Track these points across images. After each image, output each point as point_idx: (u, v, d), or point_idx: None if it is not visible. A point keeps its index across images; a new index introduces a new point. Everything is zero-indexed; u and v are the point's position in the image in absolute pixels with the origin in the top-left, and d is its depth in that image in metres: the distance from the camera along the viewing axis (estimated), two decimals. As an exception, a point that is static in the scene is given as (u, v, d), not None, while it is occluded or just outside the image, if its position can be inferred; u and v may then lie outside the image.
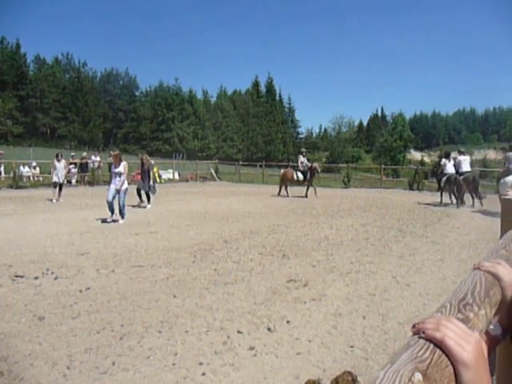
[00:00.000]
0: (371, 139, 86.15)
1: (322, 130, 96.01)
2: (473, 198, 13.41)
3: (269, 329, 3.83)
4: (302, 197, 16.73)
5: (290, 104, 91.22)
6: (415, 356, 0.50)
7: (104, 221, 9.92)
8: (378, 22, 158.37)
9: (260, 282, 5.29)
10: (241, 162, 34.37)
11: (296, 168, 17.84)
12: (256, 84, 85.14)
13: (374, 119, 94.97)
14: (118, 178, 10.20)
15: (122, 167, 10.18)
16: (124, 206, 10.12)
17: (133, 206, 12.91)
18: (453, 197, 13.71)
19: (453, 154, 15.03)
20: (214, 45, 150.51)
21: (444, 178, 13.84)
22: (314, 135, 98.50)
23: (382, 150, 71.77)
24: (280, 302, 4.56)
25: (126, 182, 10.28)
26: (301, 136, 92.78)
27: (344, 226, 9.72)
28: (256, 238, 8.12)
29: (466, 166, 13.65)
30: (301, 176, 17.31)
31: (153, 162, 13.93)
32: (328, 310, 4.34)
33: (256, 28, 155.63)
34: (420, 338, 0.54)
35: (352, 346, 3.49)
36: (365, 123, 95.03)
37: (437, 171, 15.22)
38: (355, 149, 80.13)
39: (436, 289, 5.08)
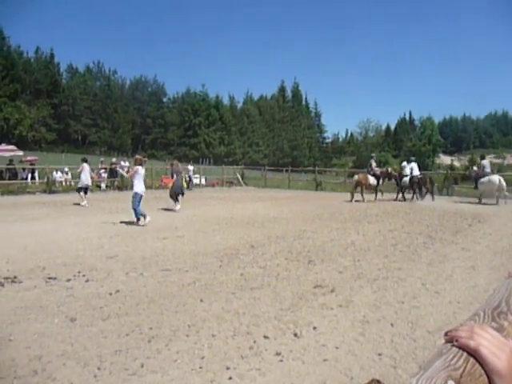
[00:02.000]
0: (399, 144, 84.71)
1: (349, 134, 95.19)
2: (426, 193, 17.46)
3: (295, 334, 3.82)
4: (370, 201, 17.14)
5: (316, 109, 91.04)
6: (448, 364, 0.50)
7: (132, 224, 10.12)
8: (406, 26, 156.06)
9: (286, 287, 5.28)
10: (267, 167, 34.39)
11: (369, 172, 18.14)
12: (282, 89, 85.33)
13: (402, 123, 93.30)
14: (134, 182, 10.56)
15: (133, 170, 10.54)
16: (135, 208, 10.27)
17: (163, 210, 13.14)
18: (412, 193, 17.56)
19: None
20: (241, 50, 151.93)
21: (406, 179, 17.63)
22: (341, 140, 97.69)
23: (409, 154, 70.57)
24: (306, 307, 4.53)
25: (136, 186, 10.49)
26: (327, 141, 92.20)
27: (371, 231, 9.58)
28: (282, 244, 8.10)
29: (416, 171, 17.56)
30: (374, 181, 17.60)
31: (180, 167, 14.17)
32: (355, 316, 4.28)
33: (282, 32, 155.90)
34: (453, 346, 0.54)
35: (380, 354, 3.44)
36: (392, 127, 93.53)
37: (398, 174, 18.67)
38: (382, 153, 78.94)
39: (467, 297, 4.94)
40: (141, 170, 10.65)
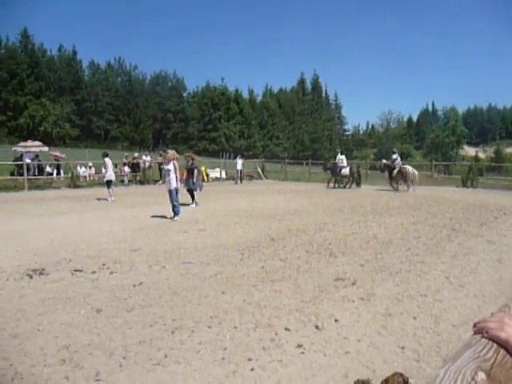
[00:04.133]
0: (421, 135, 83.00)
1: (370, 126, 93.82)
2: (352, 182, 20.36)
3: (317, 327, 3.82)
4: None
5: (336, 101, 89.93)
6: (478, 355, 0.49)
7: (153, 218, 10.26)
8: (427, 16, 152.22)
9: (307, 280, 5.28)
10: (287, 160, 34.28)
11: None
12: (302, 81, 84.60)
13: (425, 114, 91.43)
14: (167, 178, 10.56)
15: (171, 165, 10.46)
16: (173, 204, 10.35)
17: (184, 204, 13.24)
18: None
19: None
20: (260, 43, 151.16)
21: (346, 169, 20.42)
22: (361, 132, 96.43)
23: (432, 146, 68.97)
24: (328, 300, 4.52)
25: (173, 181, 10.49)
26: (347, 133, 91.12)
27: (393, 224, 9.46)
28: (303, 236, 8.09)
29: (344, 162, 20.79)
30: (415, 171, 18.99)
31: (192, 161, 13.73)
32: (377, 309, 4.25)
33: (301, 25, 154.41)
34: (483, 337, 0.53)
35: (403, 347, 3.41)
36: (414, 118, 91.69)
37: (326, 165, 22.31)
38: (404, 145, 77.57)
39: (492, 290, 4.84)
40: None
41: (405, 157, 68.19)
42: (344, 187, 20.46)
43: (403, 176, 18.47)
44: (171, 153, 11.05)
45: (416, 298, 4.58)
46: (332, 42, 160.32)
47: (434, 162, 27.63)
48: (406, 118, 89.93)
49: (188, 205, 13.13)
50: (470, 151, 78.21)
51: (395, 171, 18.74)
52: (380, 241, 7.65)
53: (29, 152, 23.57)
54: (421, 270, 5.69)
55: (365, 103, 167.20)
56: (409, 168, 18.68)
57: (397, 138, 77.85)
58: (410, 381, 0.63)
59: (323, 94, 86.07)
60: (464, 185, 20.81)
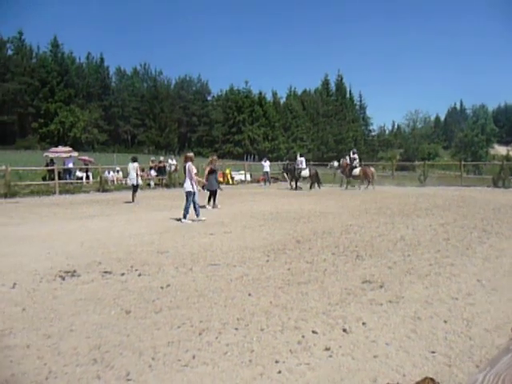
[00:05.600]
0: (449, 134, 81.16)
1: (395, 126, 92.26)
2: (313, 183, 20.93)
3: (344, 330, 3.78)
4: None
5: (360, 101, 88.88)
6: None
7: (179, 221, 10.39)
8: (455, 14, 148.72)
9: (334, 282, 5.23)
10: (311, 162, 34.11)
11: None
12: (325, 82, 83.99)
13: (453, 113, 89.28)
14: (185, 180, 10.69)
15: (186, 169, 10.60)
16: (186, 207, 10.43)
17: (209, 207, 13.36)
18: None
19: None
20: (283, 45, 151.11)
21: (306, 171, 21.21)
22: (387, 132, 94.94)
23: (461, 145, 67.34)
24: (355, 303, 4.47)
25: (188, 184, 10.51)
26: (373, 134, 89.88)
27: (421, 225, 9.27)
28: (329, 239, 8.03)
29: (303, 164, 21.80)
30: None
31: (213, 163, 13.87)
32: (406, 312, 4.18)
33: (325, 26, 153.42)
34: None
35: (433, 352, 3.33)
36: (442, 118, 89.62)
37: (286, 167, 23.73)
38: (432, 145, 75.98)
39: (528, 294, 4.67)
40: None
41: (432, 157, 66.78)
42: (310, 188, 21.03)
43: (366, 175, 20.20)
44: (188, 155, 11.15)
45: (446, 302, 4.48)
46: (356, 42, 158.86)
47: (462, 162, 26.92)
48: (433, 118, 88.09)
49: (210, 207, 13.24)
50: (500, 150, 75.78)
51: (357, 170, 20.53)
52: (408, 242, 7.52)
53: (71, 157, 24.54)
54: (451, 273, 5.56)
55: (390, 103, 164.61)
56: (371, 168, 20.99)
57: (424, 138, 76.32)
58: (441, 386, 0.62)
59: (347, 95, 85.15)
60: (495, 185, 20.21)
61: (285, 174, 23.10)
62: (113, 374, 3.06)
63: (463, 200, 14.43)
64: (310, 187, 20.73)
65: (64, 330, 3.83)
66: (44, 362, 3.25)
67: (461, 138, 68.41)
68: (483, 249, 6.96)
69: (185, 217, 10.40)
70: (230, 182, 26.30)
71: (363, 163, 22.11)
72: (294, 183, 21.75)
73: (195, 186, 10.64)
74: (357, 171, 20.68)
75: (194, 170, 10.69)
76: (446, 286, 5.00)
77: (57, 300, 4.66)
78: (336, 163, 23.30)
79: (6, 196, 17.33)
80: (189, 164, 10.67)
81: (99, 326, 3.94)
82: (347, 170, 21.06)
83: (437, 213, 11.31)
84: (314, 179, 21.00)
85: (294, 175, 21.52)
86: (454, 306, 4.35)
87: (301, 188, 21.18)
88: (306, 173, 21.14)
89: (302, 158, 21.95)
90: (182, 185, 23.57)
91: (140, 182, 15.46)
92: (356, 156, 21.27)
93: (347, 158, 21.44)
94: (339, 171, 22.07)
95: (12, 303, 4.57)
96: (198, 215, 10.49)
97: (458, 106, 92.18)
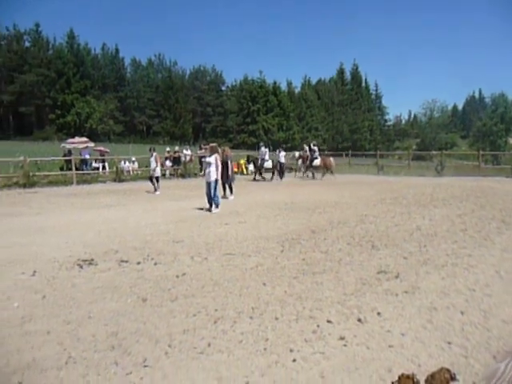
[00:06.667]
0: (467, 124, 79.55)
1: (412, 116, 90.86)
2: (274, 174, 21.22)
3: (359, 320, 3.77)
4: None
5: (376, 90, 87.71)
6: None
7: (203, 210, 10.46)
8: (472, 5, 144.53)
9: (349, 272, 5.22)
10: (326, 152, 33.85)
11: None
12: (341, 72, 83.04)
13: (471, 102, 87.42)
14: (207, 170, 10.73)
15: (212, 158, 10.64)
16: (214, 196, 10.52)
17: (223, 197, 13.41)
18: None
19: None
20: (298, 34, 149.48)
21: (269, 162, 21.24)
22: (403, 122, 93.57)
23: (479, 134, 65.88)
24: (370, 293, 4.45)
25: (213, 174, 10.65)
26: (389, 123, 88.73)
27: (438, 216, 9.16)
28: (344, 229, 7.99)
29: (266, 156, 21.51)
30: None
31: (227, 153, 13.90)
32: (422, 303, 4.15)
33: (340, 15, 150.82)
34: None
35: (449, 343, 3.31)
36: (460, 107, 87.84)
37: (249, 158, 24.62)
38: (449, 135, 74.62)
39: (548, 286, 4.59)
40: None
41: (450, 146, 65.62)
42: (270, 179, 21.17)
43: (326, 165, 21.39)
44: (214, 145, 11.29)
45: (463, 293, 4.43)
46: (371, 32, 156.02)
47: (481, 152, 26.39)
48: (450, 107, 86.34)
49: (227, 198, 13.29)
50: (520, 139, 74.01)
51: (318, 161, 21.58)
52: (424, 233, 7.44)
53: (88, 148, 24.84)
54: (468, 264, 5.48)
55: (406, 93, 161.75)
56: (330, 158, 22.27)
57: (441, 128, 74.96)
58: (457, 377, 0.62)
59: (363, 84, 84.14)
60: (508, 175, 19.78)
61: (298, 162, 23.69)
62: (130, 360, 3.12)
63: (481, 190, 14.17)
64: (271, 178, 21.13)
65: (82, 317, 3.91)
66: (64, 347, 3.32)
67: (479, 128, 66.90)
68: (502, 239, 6.85)
69: (217, 206, 10.52)
70: (245, 172, 26.28)
71: (323, 154, 23.60)
72: (258, 174, 22.04)
73: (219, 176, 10.85)
74: (317, 162, 21.78)
75: (219, 162, 10.92)
76: (464, 277, 4.94)
77: (75, 288, 4.76)
78: (297, 153, 24.26)
79: (25, 186, 17.64)
80: (216, 155, 10.85)
81: (116, 313, 4.01)
82: (308, 161, 22.18)
83: (454, 203, 11.15)
84: (277, 170, 21.35)
85: (257, 166, 21.79)
86: (471, 296, 4.30)
87: (264, 179, 21.38)
88: (268, 164, 21.40)
89: (266, 149, 22.09)
90: (196, 175, 23.67)
91: (159, 172, 15.60)
92: (316, 148, 22.40)
93: (307, 149, 22.50)
94: (300, 161, 23.18)
95: (32, 291, 4.68)
96: (212, 206, 10.57)
97: (477, 95, 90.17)
